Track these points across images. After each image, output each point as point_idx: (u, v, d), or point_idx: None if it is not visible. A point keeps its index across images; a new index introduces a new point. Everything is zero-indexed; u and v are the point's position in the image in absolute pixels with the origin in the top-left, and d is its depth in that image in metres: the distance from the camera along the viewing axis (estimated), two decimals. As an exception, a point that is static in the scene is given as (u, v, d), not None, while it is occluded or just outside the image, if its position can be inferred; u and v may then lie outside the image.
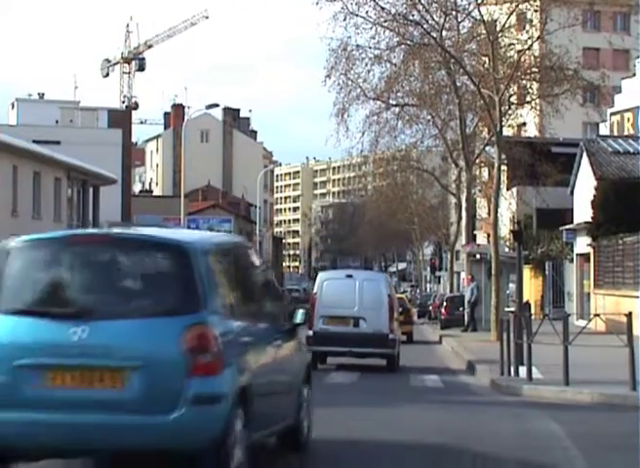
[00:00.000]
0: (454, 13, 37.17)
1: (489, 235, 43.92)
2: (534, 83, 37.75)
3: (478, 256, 41.29)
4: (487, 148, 43.81)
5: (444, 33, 36.78)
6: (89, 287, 8.16)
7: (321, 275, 23.47)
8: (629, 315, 16.74)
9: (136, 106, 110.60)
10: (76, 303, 8.03)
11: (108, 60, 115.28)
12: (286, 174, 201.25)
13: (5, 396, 7.75)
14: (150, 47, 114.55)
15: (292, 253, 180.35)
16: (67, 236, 8.97)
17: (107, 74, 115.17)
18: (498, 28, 35.37)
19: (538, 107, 40.30)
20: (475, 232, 60.32)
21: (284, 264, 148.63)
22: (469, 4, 37.18)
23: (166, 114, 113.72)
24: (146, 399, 7.67)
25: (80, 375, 7.73)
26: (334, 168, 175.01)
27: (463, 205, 48.22)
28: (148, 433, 7.69)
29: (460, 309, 42.21)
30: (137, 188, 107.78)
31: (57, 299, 8.12)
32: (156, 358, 7.74)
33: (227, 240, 10.08)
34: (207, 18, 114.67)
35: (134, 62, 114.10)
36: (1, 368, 7.82)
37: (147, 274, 8.22)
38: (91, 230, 10.44)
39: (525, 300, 30.14)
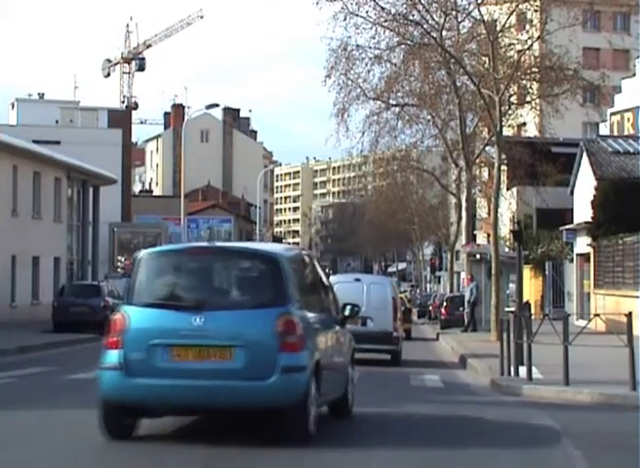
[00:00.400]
0: (454, 13, 37.18)
1: (489, 235, 43.94)
2: (534, 83, 37.76)
3: (478, 256, 41.30)
4: (487, 148, 43.83)
5: (444, 33, 36.79)
6: (204, 286, 11.09)
7: (331, 279, 23.95)
8: (629, 315, 16.74)
9: (135, 106, 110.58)
10: (195, 298, 10.81)
11: (109, 60, 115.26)
12: (286, 174, 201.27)
13: (143, 367, 10.48)
14: (149, 47, 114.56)
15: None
16: (186, 248, 12.62)
17: (108, 74, 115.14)
18: (498, 28, 35.36)
19: (538, 107, 40.31)
20: (475, 232, 60.35)
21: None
22: (469, 4, 37.24)
23: (166, 114, 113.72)
24: (249, 369, 10.40)
25: (198, 352, 10.49)
26: (334, 168, 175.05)
27: (463, 205, 48.24)
28: (251, 394, 10.44)
29: (460, 309, 42.22)
30: (137, 188, 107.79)
31: (180, 295, 11.00)
32: (256, 338, 10.52)
33: (299, 251, 12.78)
34: (202, 17, 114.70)
35: (134, 62, 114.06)
36: (139, 346, 10.57)
37: (247, 276, 11.28)
38: (203, 244, 13.39)
39: (525, 300, 30.17)
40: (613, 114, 49.28)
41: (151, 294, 11.00)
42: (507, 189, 52.26)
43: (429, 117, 46.43)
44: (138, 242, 68.21)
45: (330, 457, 10.47)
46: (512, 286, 37.27)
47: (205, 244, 12.81)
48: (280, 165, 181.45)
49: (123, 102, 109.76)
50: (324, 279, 13.02)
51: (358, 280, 25.54)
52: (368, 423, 13.23)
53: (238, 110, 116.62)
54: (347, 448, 11.01)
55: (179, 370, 10.47)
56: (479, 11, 36.10)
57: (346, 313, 13.10)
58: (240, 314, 10.71)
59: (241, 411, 10.98)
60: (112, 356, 10.68)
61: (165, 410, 11.13)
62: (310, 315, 11.32)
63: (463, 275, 48.19)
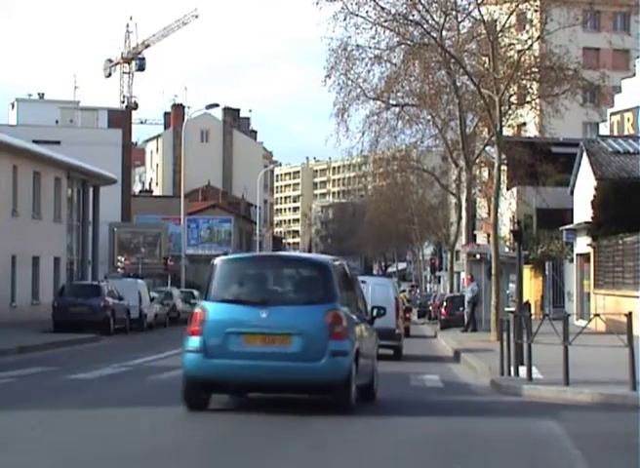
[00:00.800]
0: (454, 13, 37.16)
1: (489, 235, 43.94)
2: (534, 83, 37.76)
3: (478, 256, 41.30)
4: (487, 148, 43.82)
5: (444, 33, 36.77)
6: (268, 286, 13.74)
7: None
8: (629, 315, 16.74)
9: (135, 106, 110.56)
10: (261, 296, 13.35)
11: (110, 60, 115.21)
12: (286, 174, 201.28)
13: (219, 350, 12.88)
14: (148, 46, 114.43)
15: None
16: (253, 256, 16.63)
17: (110, 74, 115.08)
18: (498, 28, 35.36)
19: (538, 107, 40.31)
20: (475, 232, 60.34)
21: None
22: (469, 4, 37.22)
23: (166, 114, 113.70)
24: (304, 352, 12.84)
25: (264, 338, 12.96)
26: (334, 168, 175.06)
27: (463, 205, 48.23)
28: (305, 373, 12.92)
29: (460, 309, 42.24)
30: (137, 188, 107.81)
31: (249, 294, 13.47)
32: (309, 328, 12.97)
33: (342, 262, 15.07)
34: (197, 17, 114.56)
35: (134, 62, 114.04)
36: (218, 334, 13.02)
37: (302, 279, 13.83)
38: (267, 253, 19.30)
39: (525, 300, 30.16)
40: (613, 114, 49.28)
41: (225, 293, 13.49)
42: (507, 189, 52.26)
43: (429, 117, 46.42)
44: (138, 242, 68.36)
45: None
46: (512, 286, 37.28)
47: (268, 253, 17.18)
48: (280, 165, 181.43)
49: (123, 102, 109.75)
50: (357, 284, 15.69)
51: (364, 282, 26.68)
52: (368, 423, 13.22)
53: (238, 110, 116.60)
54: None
55: (248, 353, 12.94)
56: (479, 11, 36.09)
57: (374, 314, 15.65)
58: (297, 309, 13.24)
59: (298, 387, 13.49)
60: (194, 341, 13.16)
61: (236, 386, 13.57)
62: (350, 311, 13.85)
63: (463, 275, 48.18)
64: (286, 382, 13.17)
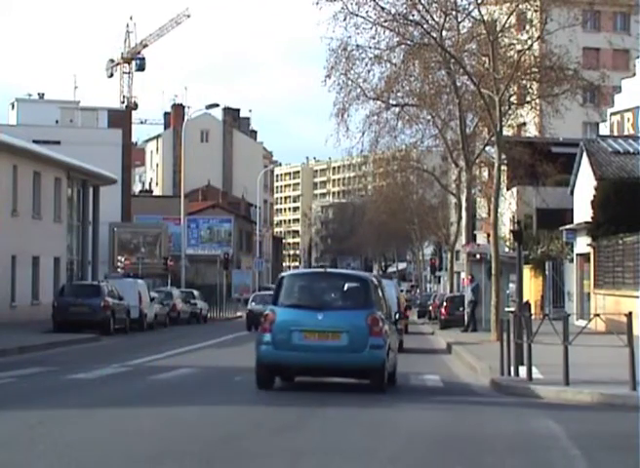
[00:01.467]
0: (454, 13, 37.15)
1: (489, 235, 43.92)
2: (534, 83, 37.75)
3: (478, 256, 41.28)
4: (487, 148, 43.82)
5: (444, 33, 36.77)
6: (322, 295, 17.22)
7: None
8: (629, 315, 16.74)
9: (135, 106, 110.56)
10: (318, 303, 16.89)
11: (112, 60, 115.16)
12: (286, 174, 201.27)
13: (285, 344, 16.19)
14: (146, 46, 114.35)
15: (292, 252, 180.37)
16: (311, 272, 21.06)
17: (112, 74, 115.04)
18: (498, 28, 35.34)
19: (538, 107, 40.30)
20: (475, 232, 60.34)
21: (284, 264, 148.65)
22: (469, 4, 37.20)
23: (166, 114, 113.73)
24: (350, 345, 16.39)
25: (320, 335, 16.50)
26: (334, 168, 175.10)
27: (463, 205, 48.22)
28: (351, 361, 16.52)
29: (460, 309, 42.22)
30: (137, 188, 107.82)
31: (308, 300, 17.04)
32: (355, 327, 16.50)
33: (376, 276, 19.98)
34: (189, 16, 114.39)
35: (134, 62, 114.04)
36: (284, 331, 16.49)
37: (348, 290, 17.07)
38: (321, 270, 21.70)
39: (525, 300, 30.14)
40: (613, 114, 49.27)
41: (290, 300, 17.11)
42: (507, 189, 52.25)
43: (429, 117, 46.41)
44: (137, 242, 68.31)
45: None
46: (512, 286, 37.26)
47: (322, 270, 20.50)
48: (280, 165, 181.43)
49: (123, 102, 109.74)
50: (385, 293, 19.39)
51: None
52: (368, 422, 13.24)
53: (238, 110, 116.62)
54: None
55: (308, 345, 16.43)
56: (479, 11, 36.07)
57: (396, 317, 20.35)
58: (345, 313, 16.85)
59: (345, 372, 17.22)
60: (266, 337, 16.64)
61: (297, 371, 17.41)
62: (382, 315, 17.33)
63: (463, 275, 48.16)
64: (336, 368, 16.97)
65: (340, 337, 16.45)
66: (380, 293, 18.27)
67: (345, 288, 17.10)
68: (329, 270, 21.71)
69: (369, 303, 16.92)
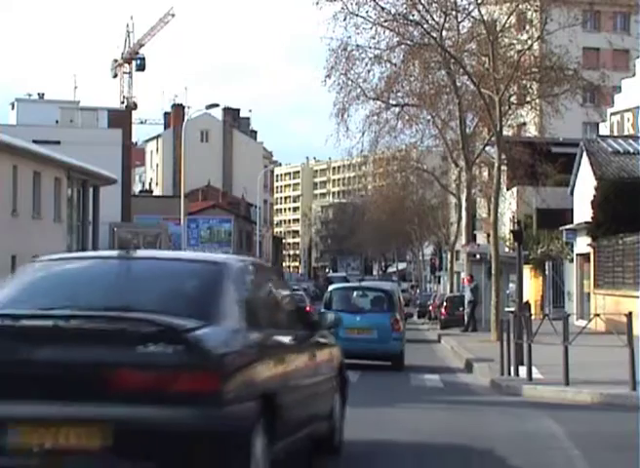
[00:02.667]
0: (454, 13, 37.15)
1: (489, 235, 43.91)
2: (534, 83, 37.74)
3: (478, 256, 41.29)
4: (487, 148, 43.80)
5: (444, 33, 36.76)
6: (359, 302, 24.97)
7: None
8: (629, 315, 16.74)
9: (135, 106, 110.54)
10: (357, 308, 24.59)
11: (116, 61, 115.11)
12: (286, 174, 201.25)
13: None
14: (142, 46, 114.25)
15: (292, 253, 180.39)
16: (352, 286, 28.75)
17: (116, 75, 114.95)
18: (498, 28, 35.35)
19: (538, 107, 40.31)
20: (475, 232, 60.31)
21: (284, 264, 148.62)
22: (469, 4, 37.20)
23: (166, 114, 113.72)
24: (379, 338, 23.52)
25: (358, 331, 23.29)
26: (334, 168, 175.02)
27: (463, 205, 48.22)
28: (380, 349, 23.54)
29: (460, 309, 42.22)
30: (137, 188, 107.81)
31: (350, 306, 24.46)
32: (382, 325, 23.83)
33: (396, 285, 35.92)
34: (173, 16, 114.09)
35: (134, 62, 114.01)
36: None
37: (378, 298, 25.08)
38: (356, 284, 29.40)
39: (525, 300, 30.16)
40: (613, 114, 49.26)
41: (338, 305, 23.93)
42: (507, 189, 52.24)
43: (429, 117, 46.41)
44: (137, 242, 68.28)
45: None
46: (512, 286, 37.25)
47: (358, 284, 28.61)
48: (280, 165, 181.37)
49: (123, 103, 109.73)
50: (400, 299, 27.86)
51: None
52: (368, 423, 13.24)
53: (238, 110, 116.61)
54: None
55: (350, 338, 21.83)
56: (479, 11, 36.08)
57: (405, 317, 29.33)
58: (376, 315, 24.31)
59: (375, 357, 23.78)
60: None
61: (350, 356, 19.93)
62: (400, 316, 25.03)
63: (463, 275, 48.16)
64: (369, 354, 23.41)
65: (372, 332, 23.63)
66: (399, 299, 26.47)
67: (375, 297, 25.14)
68: (363, 284, 28.84)
69: (392, 308, 24.53)
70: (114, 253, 8.53)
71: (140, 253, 8.75)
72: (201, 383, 6.67)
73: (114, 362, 6.68)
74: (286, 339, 8.59)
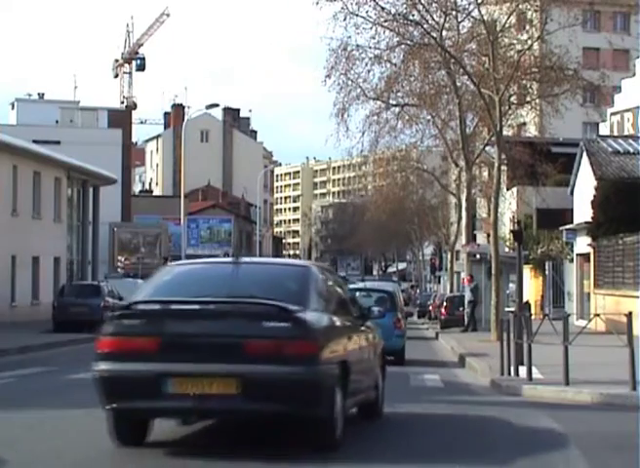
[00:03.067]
0: (454, 13, 37.14)
1: (489, 235, 43.91)
2: (534, 83, 37.73)
3: (478, 256, 41.30)
4: (487, 148, 43.80)
5: (444, 33, 36.74)
6: (367, 303, 18.70)
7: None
8: (629, 315, 16.74)
9: (134, 106, 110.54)
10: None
11: (117, 60, 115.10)
12: (286, 174, 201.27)
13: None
14: (141, 45, 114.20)
15: (292, 252, 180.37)
16: (357, 287, 28.25)
17: (117, 75, 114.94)
18: (498, 28, 35.34)
19: (538, 107, 40.30)
20: (475, 232, 60.34)
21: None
22: (469, 4, 37.18)
23: (166, 114, 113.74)
24: (383, 335, 14.71)
25: None
26: (334, 168, 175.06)
27: (463, 205, 48.22)
28: (385, 345, 14.46)
29: (460, 309, 42.23)
30: (137, 188, 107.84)
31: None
32: (385, 323, 20.27)
33: (398, 287, 37.36)
34: (168, 15, 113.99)
35: (134, 62, 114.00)
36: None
37: (380, 299, 25.82)
38: (364, 285, 32.08)
39: (525, 300, 30.15)
40: (613, 114, 49.27)
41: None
42: (507, 189, 52.24)
43: (429, 117, 46.40)
44: (137, 242, 68.31)
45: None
46: (512, 286, 37.28)
47: (363, 285, 30.88)
48: (280, 165, 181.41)
49: (122, 103, 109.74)
50: (401, 299, 29.47)
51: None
52: (368, 422, 13.23)
53: (238, 110, 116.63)
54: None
55: None
56: (479, 11, 36.07)
57: (406, 316, 29.56)
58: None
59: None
60: None
61: None
62: (401, 315, 26.43)
63: (463, 275, 48.18)
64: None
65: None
66: (400, 299, 28.37)
67: (378, 297, 26.20)
68: (367, 285, 30.69)
69: (394, 308, 25.85)
70: (229, 259, 11.89)
71: (247, 259, 12.04)
72: (305, 349, 9.72)
73: (245, 334, 9.71)
74: (349, 324, 11.62)
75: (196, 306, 10.01)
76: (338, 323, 10.97)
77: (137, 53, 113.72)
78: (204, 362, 9.67)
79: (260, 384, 9.60)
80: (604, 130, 49.31)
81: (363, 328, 12.32)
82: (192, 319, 9.93)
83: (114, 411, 10.34)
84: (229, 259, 11.65)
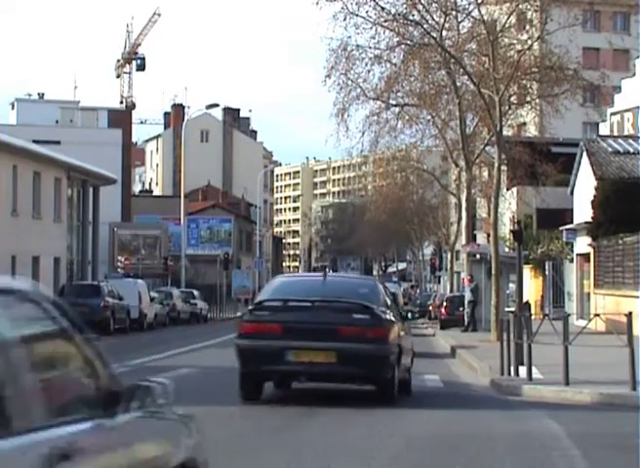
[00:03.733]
0: (454, 13, 37.13)
1: (489, 235, 43.89)
2: (534, 83, 37.73)
3: (478, 256, 41.28)
4: (487, 148, 43.78)
5: (444, 33, 36.73)
6: None
7: None
8: (629, 315, 16.74)
9: (133, 106, 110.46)
10: None
11: (119, 60, 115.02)
12: (286, 174, 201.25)
13: None
14: (139, 45, 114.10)
15: (292, 252, 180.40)
16: None
17: (119, 75, 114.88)
18: (498, 28, 35.33)
19: (538, 107, 40.29)
20: (475, 232, 60.32)
21: (284, 264, 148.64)
22: (469, 4, 37.17)
23: (166, 114, 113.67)
24: None
25: None
26: (334, 168, 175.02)
27: (463, 205, 48.22)
28: None
29: (460, 309, 42.22)
30: (137, 188, 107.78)
31: None
32: None
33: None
34: (159, 15, 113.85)
35: (134, 62, 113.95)
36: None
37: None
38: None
39: (525, 300, 30.16)
40: (613, 114, 49.25)
41: None
42: (507, 189, 52.23)
43: (429, 117, 46.37)
44: (137, 242, 68.28)
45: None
46: (512, 286, 37.25)
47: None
48: (280, 165, 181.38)
49: (121, 103, 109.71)
50: (401, 299, 27.66)
51: None
52: (369, 422, 13.24)
53: (238, 110, 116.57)
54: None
55: None
56: (479, 11, 36.06)
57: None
58: None
59: None
60: None
61: None
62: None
63: (464, 275, 48.16)
64: None
65: None
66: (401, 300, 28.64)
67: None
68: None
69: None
70: (320, 273, 17.82)
71: (332, 273, 20.67)
72: (379, 333, 14.46)
73: (340, 322, 14.38)
74: (399, 321, 15.88)
75: (307, 303, 14.68)
76: (394, 319, 15.28)
77: (135, 53, 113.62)
78: (313, 341, 14.24)
79: (350, 356, 14.17)
80: (604, 130, 49.30)
81: (404, 323, 16.75)
82: (304, 311, 14.60)
83: (246, 375, 14.77)
84: (320, 274, 17.51)
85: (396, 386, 14.85)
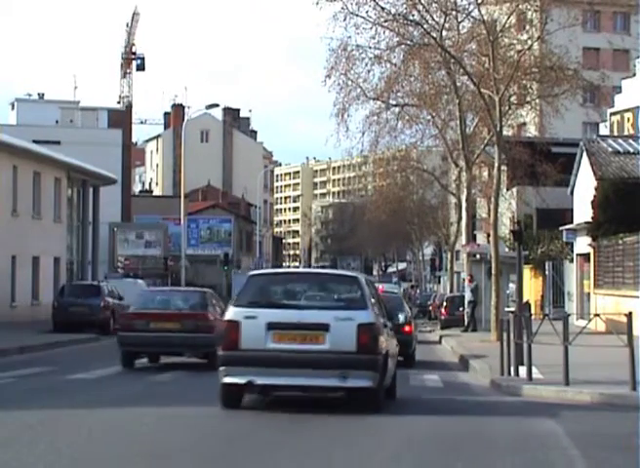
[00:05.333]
0: (454, 13, 37.14)
1: (489, 235, 43.90)
2: (534, 83, 37.74)
3: (478, 256, 41.28)
4: (487, 148, 43.78)
5: (444, 33, 36.74)
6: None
7: None
8: (629, 315, 16.74)
9: (130, 106, 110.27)
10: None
11: (122, 60, 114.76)
12: (286, 174, 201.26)
13: None
14: (134, 45, 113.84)
15: (292, 252, 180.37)
16: None
17: (125, 74, 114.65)
18: (498, 28, 35.34)
19: (538, 107, 40.31)
20: (475, 232, 60.35)
21: (284, 264, 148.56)
22: (469, 4, 37.19)
23: (166, 114, 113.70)
24: None
25: None
26: (334, 168, 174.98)
27: (463, 205, 48.19)
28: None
29: (460, 309, 42.22)
30: (137, 188, 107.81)
31: None
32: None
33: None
34: (138, 14, 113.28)
35: (134, 62, 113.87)
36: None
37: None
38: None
39: (525, 300, 30.15)
40: (613, 114, 49.25)
41: None
42: (507, 189, 52.25)
43: (429, 117, 46.37)
44: (137, 242, 68.26)
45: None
46: (512, 286, 37.27)
47: None
48: (280, 165, 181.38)
49: (119, 103, 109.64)
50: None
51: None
52: (369, 422, 13.24)
53: (238, 110, 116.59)
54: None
55: None
56: (479, 11, 36.07)
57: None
58: None
59: None
60: None
61: None
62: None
63: (464, 275, 48.17)
64: None
65: None
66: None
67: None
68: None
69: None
70: (305, 269, 19.69)
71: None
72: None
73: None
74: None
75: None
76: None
77: (134, 53, 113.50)
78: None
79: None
80: (604, 130, 49.29)
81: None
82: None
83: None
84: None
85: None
